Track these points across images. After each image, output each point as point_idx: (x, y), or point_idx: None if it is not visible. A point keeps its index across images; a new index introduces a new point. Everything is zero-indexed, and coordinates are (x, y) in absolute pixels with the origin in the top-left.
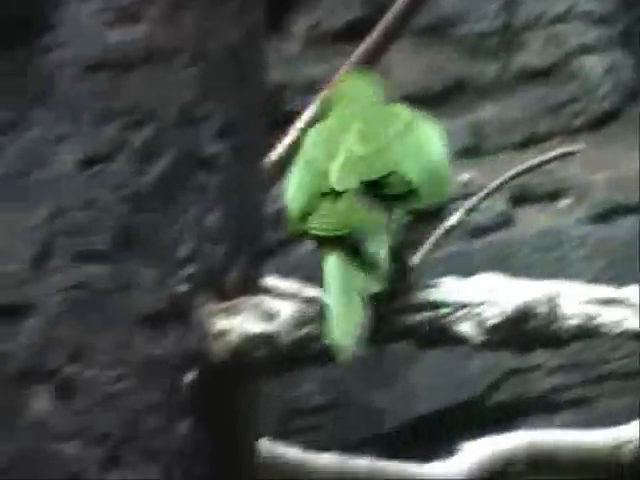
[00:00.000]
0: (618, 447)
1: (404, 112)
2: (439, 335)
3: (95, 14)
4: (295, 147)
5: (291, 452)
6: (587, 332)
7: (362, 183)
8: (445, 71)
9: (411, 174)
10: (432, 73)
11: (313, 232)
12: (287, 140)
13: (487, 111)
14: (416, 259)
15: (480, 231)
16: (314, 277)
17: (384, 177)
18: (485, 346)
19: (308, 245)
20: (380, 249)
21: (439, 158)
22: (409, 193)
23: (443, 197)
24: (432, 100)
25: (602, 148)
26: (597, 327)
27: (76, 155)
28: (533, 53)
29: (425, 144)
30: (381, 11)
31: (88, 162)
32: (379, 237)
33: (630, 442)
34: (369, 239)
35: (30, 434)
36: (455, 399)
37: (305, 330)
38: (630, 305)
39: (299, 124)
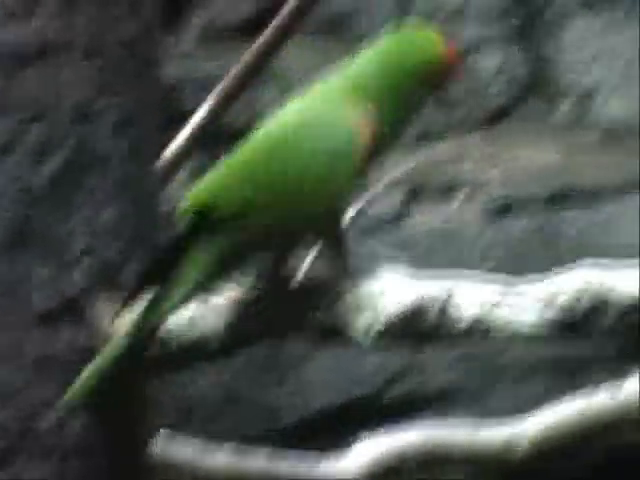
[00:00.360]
0: (510, 444)
1: (333, 101)
2: (333, 332)
3: None
4: (189, 145)
5: (187, 447)
6: (481, 328)
7: (193, 212)
8: None
9: (245, 191)
10: (327, 70)
11: None
12: (180, 137)
13: None
14: (310, 254)
15: (375, 226)
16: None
17: (211, 201)
18: (380, 343)
19: None
20: (172, 306)
21: (317, 168)
22: (243, 215)
23: (314, 212)
24: None
25: (496, 144)
26: (491, 323)
27: None
28: None
29: (310, 151)
30: (277, 8)
31: None
32: (181, 289)
33: (523, 439)
34: (167, 292)
35: None
36: (351, 395)
37: (198, 329)
38: (525, 300)
39: (193, 121)
